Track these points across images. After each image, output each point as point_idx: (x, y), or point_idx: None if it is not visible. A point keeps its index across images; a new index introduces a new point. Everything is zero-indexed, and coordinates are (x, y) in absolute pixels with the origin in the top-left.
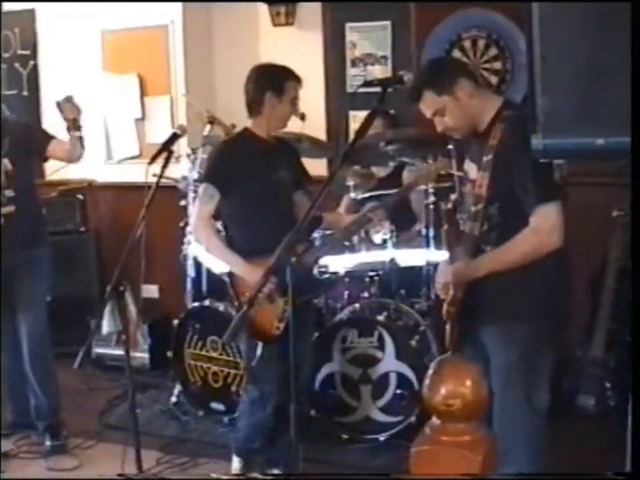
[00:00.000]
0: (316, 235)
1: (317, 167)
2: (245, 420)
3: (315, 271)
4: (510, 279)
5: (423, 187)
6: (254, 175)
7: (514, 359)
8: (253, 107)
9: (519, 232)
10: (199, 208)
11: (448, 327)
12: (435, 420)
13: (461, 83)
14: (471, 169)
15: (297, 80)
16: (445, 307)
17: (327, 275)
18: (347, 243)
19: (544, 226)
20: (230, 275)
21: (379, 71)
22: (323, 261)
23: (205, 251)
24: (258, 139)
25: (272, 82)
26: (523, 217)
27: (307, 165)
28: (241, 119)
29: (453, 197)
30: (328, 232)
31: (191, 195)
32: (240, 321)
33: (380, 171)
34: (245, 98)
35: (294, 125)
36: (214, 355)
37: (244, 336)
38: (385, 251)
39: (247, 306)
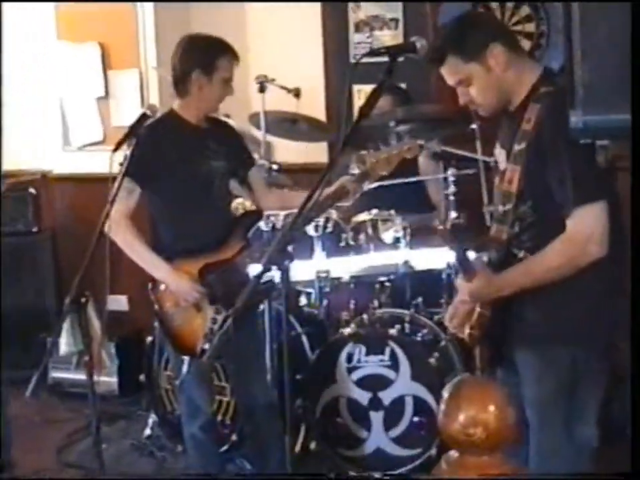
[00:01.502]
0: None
1: (315, 152)
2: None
3: (252, 273)
4: (546, 295)
5: (440, 174)
6: (180, 165)
7: (552, 389)
8: (179, 85)
9: (558, 234)
10: (116, 205)
11: (477, 351)
12: (453, 452)
13: (495, 48)
14: (501, 156)
15: (231, 56)
16: (467, 329)
17: (267, 280)
18: (351, 243)
19: (582, 233)
20: (152, 281)
21: (387, 37)
22: (323, 264)
23: (126, 252)
24: (185, 123)
25: (200, 58)
26: (562, 217)
27: (303, 149)
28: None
29: (452, 215)
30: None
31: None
32: (222, 339)
33: None
34: (172, 75)
35: (287, 103)
36: None
37: (170, 349)
38: (397, 252)
39: (230, 320)
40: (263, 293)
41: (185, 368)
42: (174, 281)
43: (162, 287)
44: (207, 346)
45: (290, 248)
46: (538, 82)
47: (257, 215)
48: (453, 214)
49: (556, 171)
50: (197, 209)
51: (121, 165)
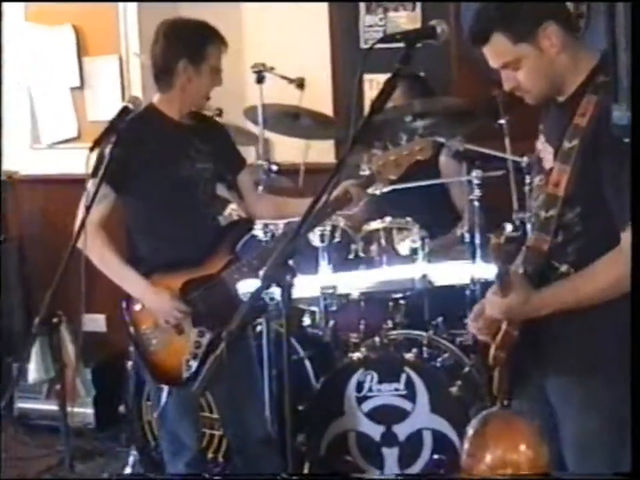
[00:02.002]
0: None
1: (321, 150)
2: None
3: (241, 290)
4: (587, 315)
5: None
6: (160, 168)
7: (592, 426)
8: (162, 78)
9: (609, 248)
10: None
11: (496, 373)
12: None
13: (549, 27)
14: (546, 153)
15: (220, 42)
16: (492, 349)
17: (266, 297)
18: (362, 255)
19: None
20: (127, 299)
21: (403, 19)
22: (329, 279)
23: (98, 266)
24: (166, 119)
25: (188, 46)
26: (615, 228)
27: (307, 148)
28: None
29: (508, 228)
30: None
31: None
32: (215, 366)
33: None
34: (152, 65)
35: (289, 95)
36: None
37: (147, 377)
38: (414, 265)
39: (223, 344)
40: (260, 313)
41: (163, 398)
42: (152, 299)
43: (137, 305)
44: (188, 374)
45: (291, 261)
46: (595, 70)
47: (247, 224)
48: (509, 227)
49: (613, 176)
50: (179, 217)
51: (95, 167)
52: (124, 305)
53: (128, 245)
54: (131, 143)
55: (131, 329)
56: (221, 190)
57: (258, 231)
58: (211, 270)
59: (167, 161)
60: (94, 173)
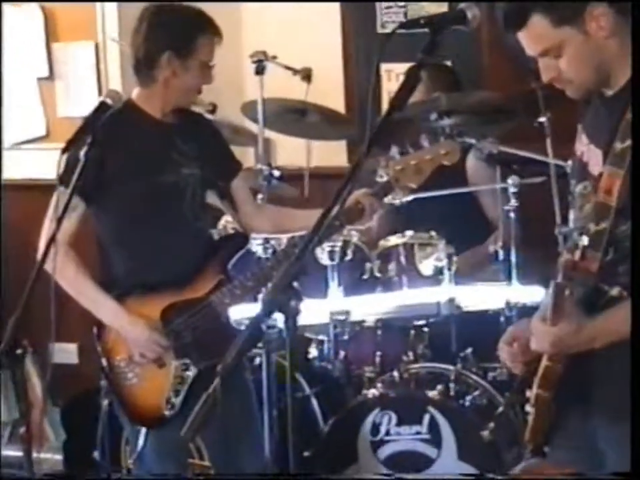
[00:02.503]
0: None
1: (331, 153)
2: None
3: (232, 318)
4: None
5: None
6: (138, 174)
7: None
8: (142, 70)
9: None
10: (52, 226)
11: (534, 415)
12: None
13: (596, 9)
14: (593, 155)
15: (213, 33)
16: (534, 388)
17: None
18: (378, 275)
19: None
20: (98, 326)
21: (428, 2)
22: (340, 303)
23: (68, 290)
24: (146, 117)
25: (174, 36)
26: None
27: (315, 150)
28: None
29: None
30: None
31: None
32: (207, 407)
33: None
34: (132, 55)
35: (294, 89)
36: None
37: (122, 417)
38: (439, 287)
39: (217, 380)
40: (259, 343)
41: (140, 442)
42: (126, 329)
43: (111, 333)
44: (169, 413)
45: (296, 283)
46: None
47: (241, 239)
48: (585, 240)
49: None
50: (161, 230)
51: (64, 172)
52: (95, 332)
53: (101, 264)
54: (104, 145)
55: (104, 361)
56: (212, 199)
57: (256, 247)
58: (198, 292)
59: (145, 166)
60: (62, 180)
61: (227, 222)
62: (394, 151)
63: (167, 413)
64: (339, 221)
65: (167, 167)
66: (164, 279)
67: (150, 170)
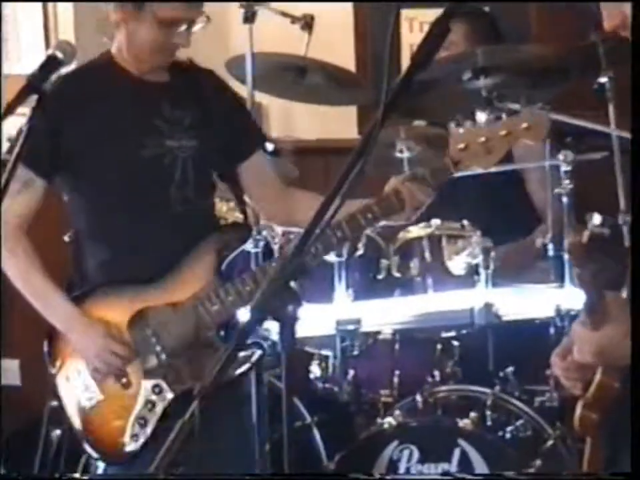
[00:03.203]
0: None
1: (339, 121)
2: None
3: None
4: None
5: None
6: (108, 146)
7: None
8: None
9: None
10: (5, 205)
11: (588, 444)
12: None
13: None
14: None
15: None
16: (579, 408)
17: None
18: (397, 275)
19: None
20: (50, 334)
21: None
22: (349, 309)
23: (16, 283)
24: (124, 76)
25: None
26: None
27: (318, 117)
28: None
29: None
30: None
31: None
32: (181, 439)
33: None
34: None
35: (292, 41)
36: None
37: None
38: (473, 290)
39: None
40: (248, 360)
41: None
42: (77, 332)
43: (63, 341)
44: (132, 447)
45: (294, 284)
46: None
47: (243, 232)
48: (597, 218)
49: None
50: (138, 217)
51: (11, 141)
52: (45, 343)
53: (71, 255)
54: (69, 107)
55: (54, 375)
56: (214, 179)
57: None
58: (179, 295)
59: (117, 136)
60: (9, 150)
61: (228, 209)
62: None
63: (128, 448)
64: (371, 214)
65: (146, 138)
66: (138, 277)
67: (122, 141)
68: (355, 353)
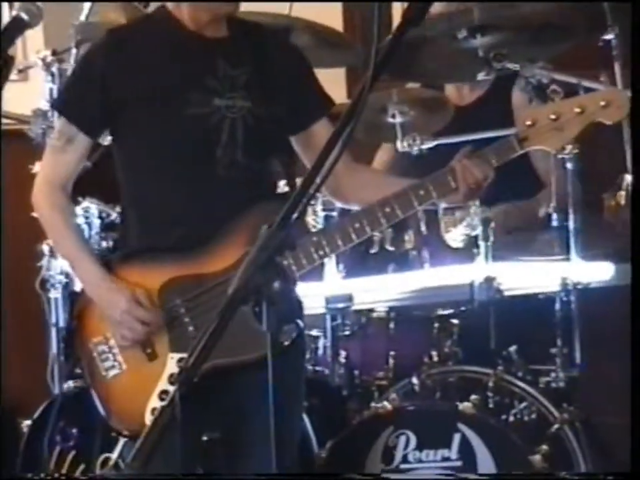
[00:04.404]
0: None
1: (326, 84)
2: None
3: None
4: None
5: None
6: (153, 103)
7: None
8: None
9: None
10: (44, 161)
11: None
12: None
13: None
14: None
15: None
16: None
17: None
18: (390, 248)
19: None
20: (82, 296)
21: None
22: (340, 286)
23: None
24: (177, 30)
25: None
26: None
27: None
28: None
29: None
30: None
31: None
32: (161, 428)
33: (462, 92)
34: None
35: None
36: None
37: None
38: (472, 264)
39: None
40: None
41: (115, 452)
42: (102, 298)
43: (91, 308)
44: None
45: (281, 259)
46: None
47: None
48: (628, 178)
49: None
50: (181, 181)
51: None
52: (76, 306)
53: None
54: (117, 63)
55: (77, 342)
56: (270, 146)
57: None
58: (214, 266)
59: (164, 92)
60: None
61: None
62: None
63: (148, 422)
64: (424, 191)
65: (192, 95)
66: (178, 244)
67: (167, 97)
68: (347, 332)
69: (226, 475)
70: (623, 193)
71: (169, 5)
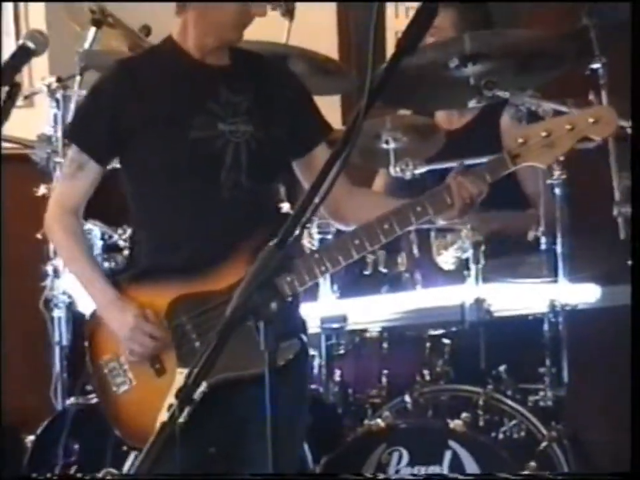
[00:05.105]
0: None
1: (322, 111)
2: None
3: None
4: None
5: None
6: (160, 128)
7: None
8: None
9: None
10: (57, 187)
11: None
12: None
13: None
14: None
15: None
16: None
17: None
18: (383, 270)
19: None
20: (93, 316)
21: None
22: (334, 306)
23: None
24: (182, 58)
25: None
26: None
27: None
28: (161, 16)
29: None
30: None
31: (59, 173)
32: (165, 441)
33: (452, 119)
34: None
35: (273, 28)
36: None
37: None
38: (463, 286)
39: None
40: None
41: (125, 466)
42: (112, 315)
43: (101, 327)
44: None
45: (285, 276)
46: None
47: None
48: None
49: None
50: (186, 202)
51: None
52: (87, 327)
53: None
54: (126, 93)
55: (88, 360)
56: (273, 168)
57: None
58: (219, 285)
59: (170, 118)
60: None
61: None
62: None
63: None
64: (421, 207)
65: (196, 120)
66: (184, 263)
67: (172, 122)
68: (341, 352)
69: (225, 476)
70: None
71: (175, 35)
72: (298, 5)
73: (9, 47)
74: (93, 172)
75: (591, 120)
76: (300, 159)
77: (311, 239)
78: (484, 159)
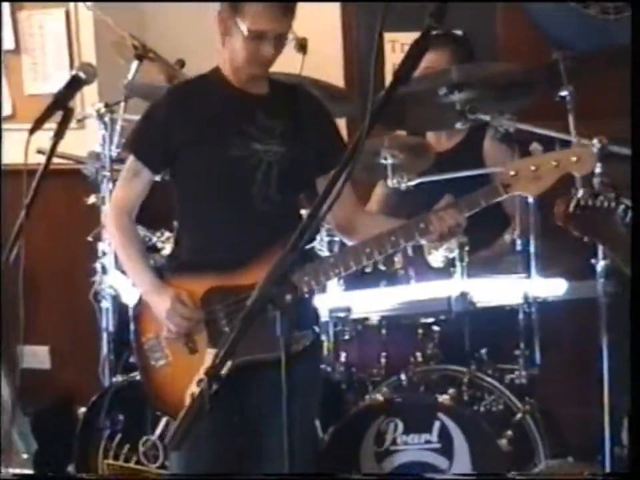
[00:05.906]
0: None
1: None
2: None
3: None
4: None
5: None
6: (204, 146)
7: None
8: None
9: None
10: (115, 191)
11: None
12: None
13: None
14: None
15: (274, 6)
16: None
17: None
18: (382, 268)
19: None
20: (139, 303)
21: None
22: (340, 299)
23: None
24: (224, 86)
25: None
26: None
27: None
28: (193, 50)
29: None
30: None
31: (106, 185)
32: (196, 412)
33: (441, 139)
34: None
35: (287, 61)
36: (152, 468)
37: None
38: (450, 281)
39: (206, 383)
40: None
41: (157, 431)
42: (153, 299)
43: (145, 310)
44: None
45: (294, 275)
46: None
47: (313, 230)
48: (581, 192)
49: None
50: (223, 209)
51: (50, 154)
52: (132, 312)
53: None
54: (178, 113)
55: (133, 339)
56: (297, 184)
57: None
58: (246, 280)
59: (213, 137)
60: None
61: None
62: None
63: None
64: (394, 237)
65: (235, 140)
66: (219, 261)
67: (215, 141)
68: (346, 337)
69: (227, 475)
70: (573, 203)
71: (220, 65)
72: (310, 40)
73: (64, 78)
74: (146, 179)
75: (573, 159)
76: (323, 175)
77: (320, 242)
78: (468, 173)
